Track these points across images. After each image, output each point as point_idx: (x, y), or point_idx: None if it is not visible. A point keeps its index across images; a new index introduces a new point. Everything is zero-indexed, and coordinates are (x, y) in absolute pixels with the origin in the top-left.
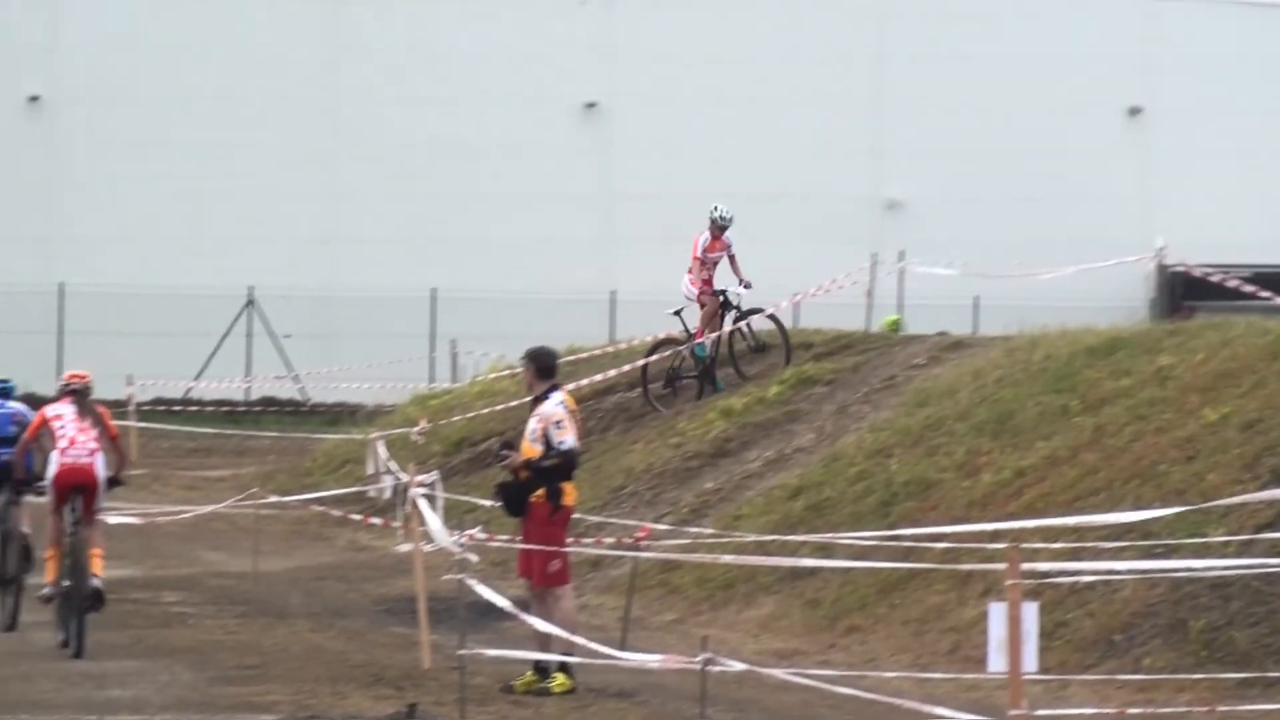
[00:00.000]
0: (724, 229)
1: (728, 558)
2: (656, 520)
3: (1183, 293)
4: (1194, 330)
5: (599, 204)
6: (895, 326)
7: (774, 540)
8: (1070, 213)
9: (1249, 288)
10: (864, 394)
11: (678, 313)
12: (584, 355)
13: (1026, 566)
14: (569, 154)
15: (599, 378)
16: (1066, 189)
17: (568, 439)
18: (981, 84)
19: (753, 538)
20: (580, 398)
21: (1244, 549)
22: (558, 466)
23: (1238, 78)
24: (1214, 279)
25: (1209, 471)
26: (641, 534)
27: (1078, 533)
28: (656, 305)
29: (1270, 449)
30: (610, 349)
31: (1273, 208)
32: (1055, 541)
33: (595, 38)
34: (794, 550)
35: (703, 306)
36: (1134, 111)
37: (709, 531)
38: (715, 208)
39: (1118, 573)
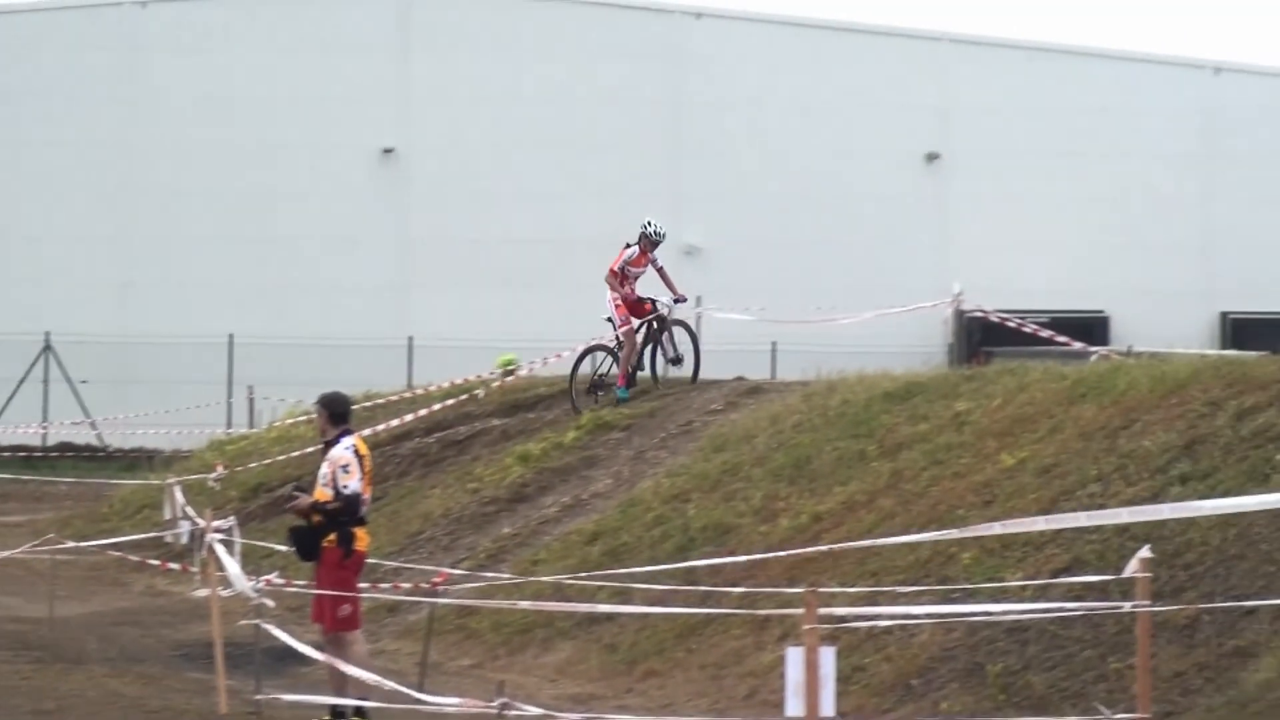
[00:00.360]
0: (656, 244)
1: (525, 603)
2: (454, 565)
3: (980, 338)
4: (991, 375)
5: (396, 249)
6: (509, 365)
7: (571, 585)
8: (868, 258)
9: (1046, 333)
10: (661, 439)
11: (610, 319)
12: (381, 401)
13: (824, 611)
14: (365, 199)
15: (396, 423)
16: (865, 234)
17: (352, 483)
18: (780, 130)
19: (550, 580)
20: (377, 443)
21: (1040, 593)
22: (339, 510)
23: (1034, 124)
24: (1011, 324)
25: (1006, 516)
26: (439, 579)
27: (875, 577)
28: (453, 350)
29: (1067, 494)
30: (407, 394)
31: (1069, 253)
32: (853, 586)
33: (392, 83)
34: (591, 595)
35: (621, 335)
36: (931, 158)
37: (505, 576)
38: (649, 223)
39: (915, 617)
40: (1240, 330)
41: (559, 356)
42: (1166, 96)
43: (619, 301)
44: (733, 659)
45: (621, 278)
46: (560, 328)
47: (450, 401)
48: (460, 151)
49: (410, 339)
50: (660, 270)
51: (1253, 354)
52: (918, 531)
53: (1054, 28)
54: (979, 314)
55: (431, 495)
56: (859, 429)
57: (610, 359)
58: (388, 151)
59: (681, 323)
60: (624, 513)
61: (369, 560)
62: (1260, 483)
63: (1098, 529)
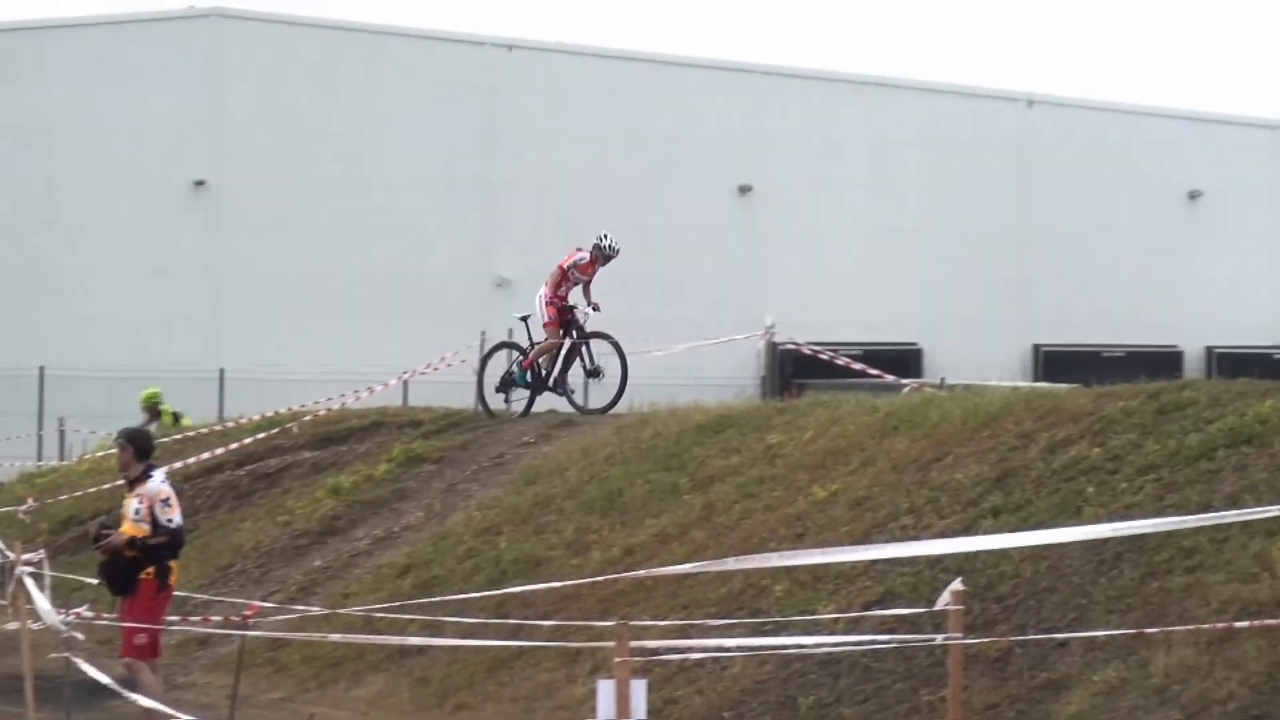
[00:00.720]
0: (609, 259)
1: (335, 635)
2: (265, 598)
3: (793, 370)
4: (803, 408)
5: (207, 281)
6: (153, 400)
7: (382, 617)
8: (682, 290)
9: (858, 365)
10: (473, 472)
11: (525, 318)
12: (192, 433)
13: (635, 643)
14: (177, 231)
15: (207, 455)
16: (678, 267)
17: (175, 516)
18: (590, 163)
19: (361, 612)
20: (188, 475)
21: (852, 625)
22: (165, 544)
23: (848, 157)
24: (824, 357)
25: (817, 549)
26: (249, 612)
27: (688, 609)
28: (265, 383)
29: (879, 526)
30: (218, 427)
31: (882, 286)
32: (665, 618)
33: (204, 115)
34: (402, 628)
35: (546, 331)
36: (744, 190)
37: (316, 609)
38: (605, 235)
39: (727, 649)
40: (1052, 362)
41: (371, 391)
42: (980, 129)
43: (551, 300)
44: (544, 692)
45: (562, 277)
46: (372, 360)
47: (262, 435)
48: (272, 184)
49: (221, 371)
50: (587, 283)
51: (1064, 386)
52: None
53: (868, 60)
54: (791, 346)
55: (242, 528)
56: (671, 462)
57: (520, 356)
58: (199, 184)
59: (605, 335)
60: (435, 545)
61: (178, 593)
62: (1072, 515)
63: (910, 561)
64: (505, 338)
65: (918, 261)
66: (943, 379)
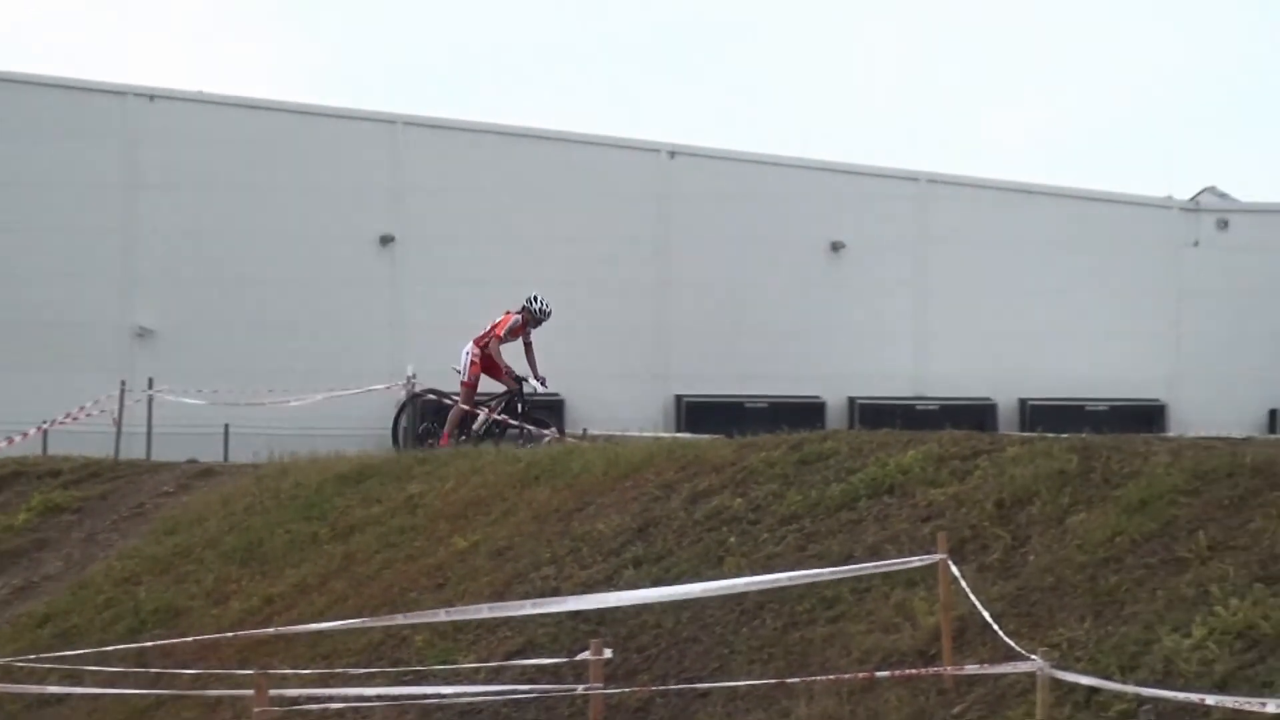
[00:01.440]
0: (539, 322)
1: None
2: None
3: (434, 420)
4: (444, 458)
5: None
6: None
7: (21, 667)
8: (323, 340)
9: (500, 415)
10: (113, 521)
11: (457, 370)
12: None
13: (275, 692)
14: None
15: None
16: (319, 316)
17: None
18: (233, 211)
19: None
20: None
21: (493, 675)
22: None
23: (492, 206)
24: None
25: (458, 599)
26: None
27: (328, 659)
28: None
29: (520, 576)
30: None
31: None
32: (305, 668)
33: None
34: (41, 677)
35: (462, 391)
36: (385, 240)
37: None
38: (535, 298)
39: (367, 699)
40: (694, 413)
41: (10, 441)
42: (622, 178)
43: (476, 360)
44: None
45: (500, 341)
46: (10, 409)
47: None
48: None
49: None
50: (529, 346)
51: (706, 437)
52: (370, 614)
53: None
54: (433, 396)
55: None
56: (311, 511)
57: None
58: None
59: (547, 408)
60: (75, 595)
61: None
62: (714, 565)
63: (552, 612)
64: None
65: (562, 311)
66: (584, 429)
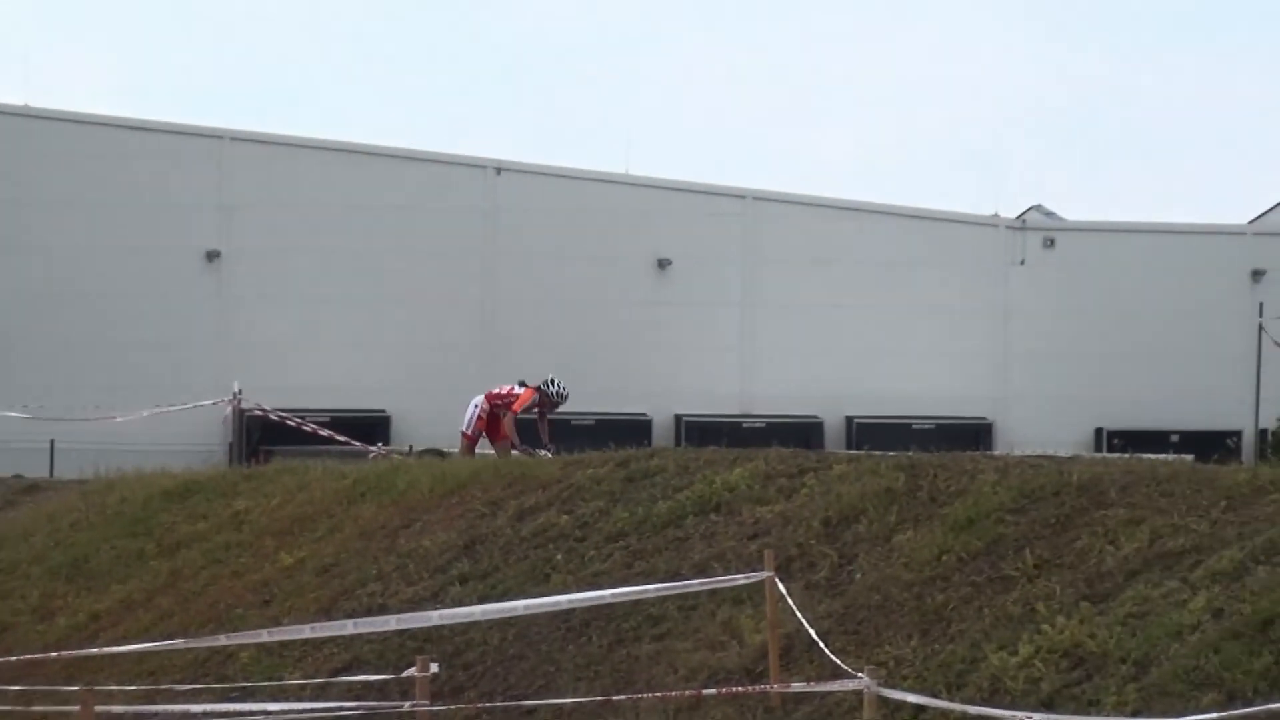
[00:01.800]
0: (556, 406)
1: None
2: None
3: (260, 437)
4: (271, 474)
5: None
6: None
7: None
8: (149, 356)
9: (325, 432)
10: None
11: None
12: None
13: (101, 708)
14: None
15: None
16: (145, 332)
17: None
18: (59, 227)
19: None
20: None
21: (320, 692)
22: None
23: (320, 222)
24: (291, 423)
25: (285, 616)
26: None
27: (154, 675)
28: None
29: (346, 592)
30: None
31: (352, 352)
32: (132, 684)
33: None
34: None
35: (465, 437)
36: (211, 256)
37: None
38: (552, 381)
39: (194, 715)
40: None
41: None
42: (450, 195)
43: (483, 416)
44: None
45: (514, 415)
46: None
47: None
48: None
49: None
50: (543, 417)
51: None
52: (197, 630)
53: (345, 127)
54: (259, 412)
55: None
56: (137, 527)
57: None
58: None
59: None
60: None
61: None
62: (541, 582)
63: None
64: None
65: (388, 328)
66: (410, 446)
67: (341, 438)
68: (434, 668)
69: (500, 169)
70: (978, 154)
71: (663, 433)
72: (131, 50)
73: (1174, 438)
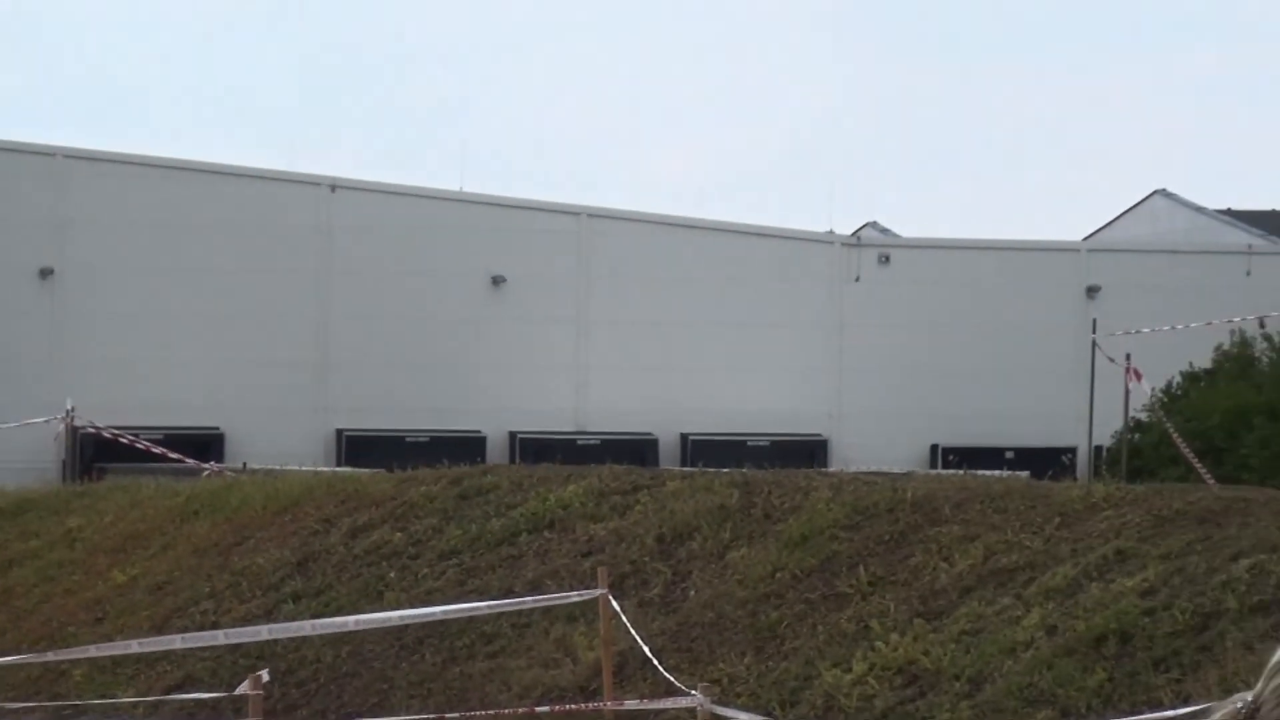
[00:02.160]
0: None
1: None
2: None
3: (94, 454)
4: (103, 492)
5: None
6: None
7: None
8: None
9: (159, 449)
10: None
11: None
12: None
13: None
14: None
15: None
16: None
17: None
18: None
19: None
20: None
21: (153, 710)
22: None
23: (157, 240)
24: (125, 440)
25: (117, 633)
26: None
27: None
28: None
29: (180, 610)
30: None
31: (188, 370)
32: None
33: None
34: None
35: None
36: (45, 273)
37: None
38: None
39: None
40: (355, 446)
41: None
42: (285, 212)
43: None
44: None
45: None
46: None
47: None
48: None
49: None
50: None
51: (367, 471)
52: (30, 648)
53: (180, 144)
54: (92, 430)
55: None
56: None
57: None
58: None
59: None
60: None
61: None
62: (374, 600)
63: (210, 646)
64: None
65: (222, 345)
66: (244, 463)
67: (175, 455)
68: (265, 676)
69: (335, 186)
70: (813, 171)
71: (497, 450)
72: None
73: (1009, 454)
